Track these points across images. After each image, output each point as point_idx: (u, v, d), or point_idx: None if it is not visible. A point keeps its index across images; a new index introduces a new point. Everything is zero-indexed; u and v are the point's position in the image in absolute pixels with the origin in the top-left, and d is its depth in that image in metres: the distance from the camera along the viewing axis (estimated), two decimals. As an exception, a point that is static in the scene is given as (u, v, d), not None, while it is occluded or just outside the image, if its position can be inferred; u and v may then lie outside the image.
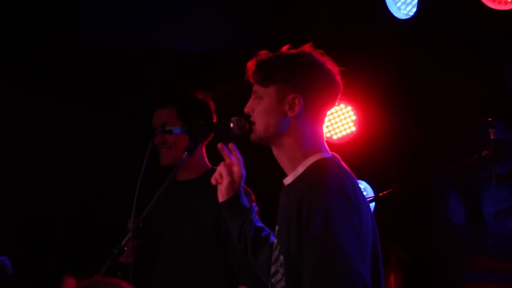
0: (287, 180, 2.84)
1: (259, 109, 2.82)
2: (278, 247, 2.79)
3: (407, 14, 4.79)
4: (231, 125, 2.98)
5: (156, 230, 3.99)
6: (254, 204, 3.08)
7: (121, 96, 5.21)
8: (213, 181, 3.04)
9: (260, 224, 3.05)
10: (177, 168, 3.19)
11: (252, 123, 2.86)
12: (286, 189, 2.85)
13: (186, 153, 3.13)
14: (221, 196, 3.03)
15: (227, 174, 3.01)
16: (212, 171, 3.79)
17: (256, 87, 2.84)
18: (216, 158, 3.90)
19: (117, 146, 5.17)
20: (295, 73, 2.79)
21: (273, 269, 2.81)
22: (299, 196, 2.69)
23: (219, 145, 3.01)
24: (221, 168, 3.02)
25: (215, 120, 4.04)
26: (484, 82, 4.76)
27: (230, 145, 3.04)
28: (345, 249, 2.58)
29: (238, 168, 3.02)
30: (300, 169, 2.79)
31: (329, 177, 2.71)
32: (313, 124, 2.83)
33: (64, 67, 5.03)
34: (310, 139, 2.81)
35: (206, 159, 4.06)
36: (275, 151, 2.86)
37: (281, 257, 2.74)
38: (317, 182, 2.70)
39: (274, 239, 2.86)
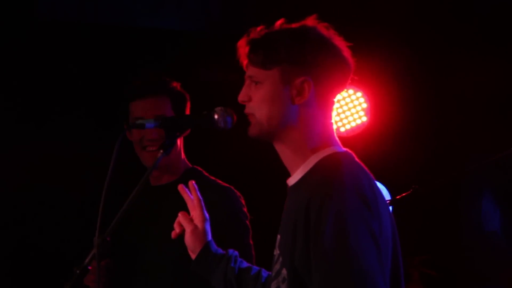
0: (292, 181, 2.79)
1: (259, 96, 2.79)
2: (280, 259, 2.76)
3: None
4: (216, 116, 3.06)
5: (130, 247, 3.98)
6: (230, 250, 3.16)
7: (84, 81, 5.28)
8: (173, 235, 3.13)
9: (245, 265, 3.14)
10: (151, 170, 3.16)
11: (249, 114, 2.81)
12: (290, 191, 2.81)
13: (161, 151, 3.12)
14: (190, 252, 3.14)
15: (187, 221, 3.11)
16: (193, 170, 4.07)
17: (252, 71, 2.79)
18: (192, 157, 4.14)
19: (77, 141, 5.18)
20: (304, 51, 2.74)
21: (273, 285, 2.79)
22: (307, 197, 2.64)
23: (180, 187, 3.12)
24: (179, 218, 3.12)
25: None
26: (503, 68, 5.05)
27: (191, 183, 3.13)
28: (362, 262, 2.55)
29: (198, 212, 3.12)
30: (308, 166, 2.75)
31: (343, 174, 2.67)
32: (323, 113, 2.81)
33: (18, 46, 5.14)
34: (320, 131, 2.81)
35: (185, 157, 4.07)
36: (277, 147, 2.83)
37: (284, 271, 2.72)
38: (329, 180, 2.65)
39: (275, 251, 2.83)
